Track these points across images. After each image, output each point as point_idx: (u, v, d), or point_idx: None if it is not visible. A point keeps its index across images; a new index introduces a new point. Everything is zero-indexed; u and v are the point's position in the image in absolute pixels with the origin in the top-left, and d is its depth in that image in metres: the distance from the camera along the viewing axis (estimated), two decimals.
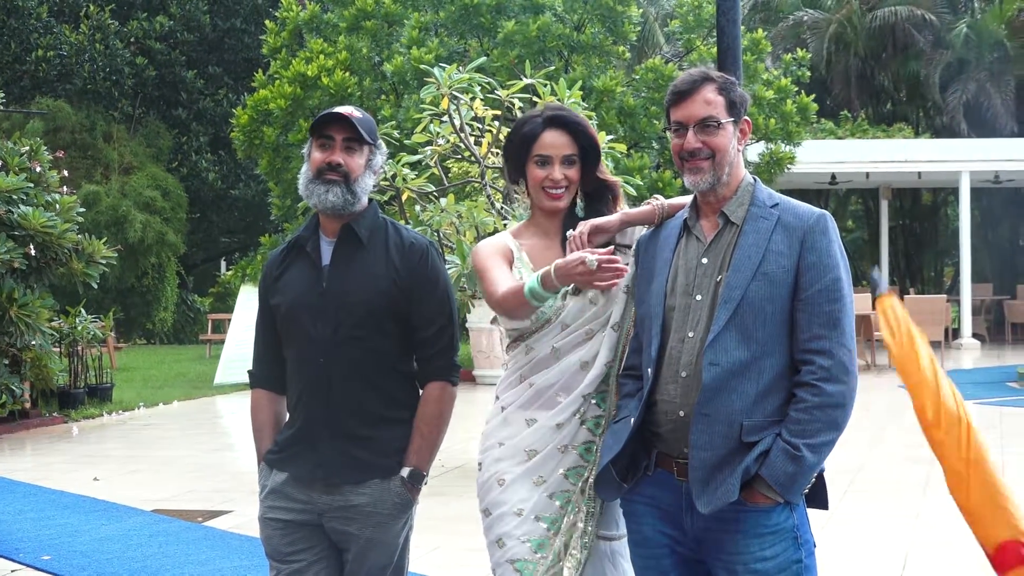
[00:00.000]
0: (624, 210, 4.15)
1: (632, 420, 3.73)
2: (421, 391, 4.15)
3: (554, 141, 4.14)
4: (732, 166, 3.73)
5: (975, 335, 26.38)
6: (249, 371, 4.40)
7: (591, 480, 3.98)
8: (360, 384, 4.01)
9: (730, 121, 3.72)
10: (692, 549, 3.72)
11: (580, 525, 4.01)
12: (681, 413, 3.66)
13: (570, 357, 4.04)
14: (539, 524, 3.98)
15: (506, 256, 4.17)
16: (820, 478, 3.67)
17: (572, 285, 3.96)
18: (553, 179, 4.12)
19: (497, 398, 4.17)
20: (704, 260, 3.72)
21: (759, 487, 3.54)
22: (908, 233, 35.94)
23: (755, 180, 3.80)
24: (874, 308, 2.92)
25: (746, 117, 3.78)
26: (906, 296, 23.01)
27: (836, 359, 3.55)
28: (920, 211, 36.02)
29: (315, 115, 4.22)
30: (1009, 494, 2.64)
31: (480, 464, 4.14)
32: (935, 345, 22.01)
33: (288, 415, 4.21)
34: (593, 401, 4.03)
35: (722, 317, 3.59)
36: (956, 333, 26.34)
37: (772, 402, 3.57)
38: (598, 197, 4.22)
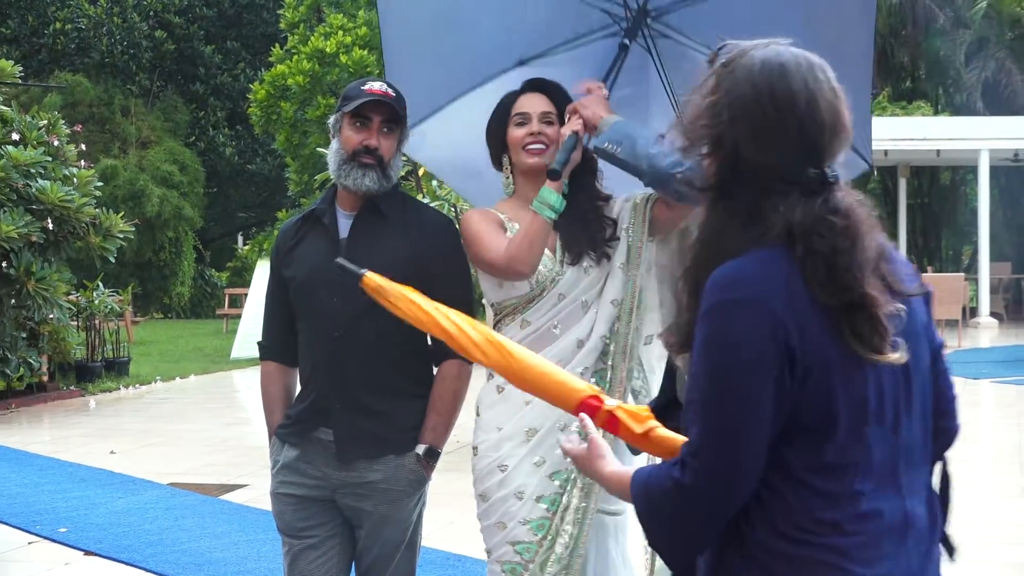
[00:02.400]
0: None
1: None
2: (436, 369, 4.14)
3: (531, 101, 4.12)
4: None
5: (993, 314, 26.29)
6: (259, 342, 4.34)
7: None
8: (375, 360, 3.98)
9: None
10: None
11: (575, 502, 4.00)
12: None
13: (568, 336, 4.03)
14: (539, 505, 3.98)
15: (499, 223, 4.12)
16: None
17: (567, 254, 4.01)
18: (532, 132, 4.07)
19: (491, 376, 4.10)
20: None
21: None
22: (926, 211, 35.75)
23: None
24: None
25: None
26: (924, 274, 22.82)
27: None
28: (938, 189, 35.83)
29: (334, 92, 4.19)
30: (556, 370, 2.80)
31: (476, 448, 4.11)
32: (952, 324, 21.96)
33: (300, 388, 4.18)
34: (593, 379, 4.00)
35: None
36: (974, 312, 26.26)
37: None
38: (583, 169, 4.11)
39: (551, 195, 3.96)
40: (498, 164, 4.23)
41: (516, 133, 4.10)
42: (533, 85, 4.17)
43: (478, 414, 4.15)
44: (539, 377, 2.77)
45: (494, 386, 4.10)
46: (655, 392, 4.06)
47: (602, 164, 4.14)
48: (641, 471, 2.43)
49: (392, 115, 4.03)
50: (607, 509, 4.07)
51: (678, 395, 3.79)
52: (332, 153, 4.06)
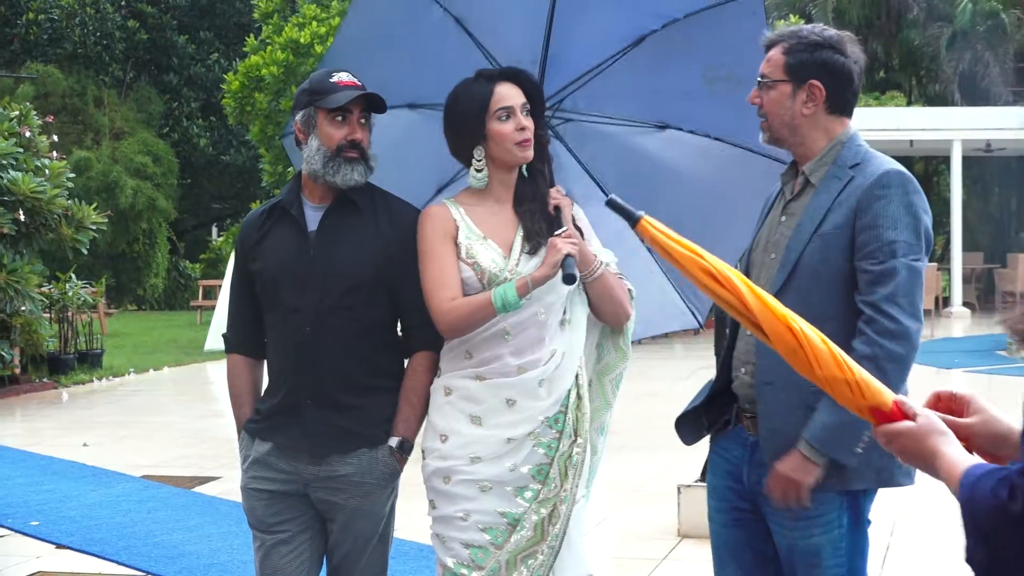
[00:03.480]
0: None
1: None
2: (407, 360, 4.12)
3: (511, 92, 4.00)
4: (798, 128, 3.68)
5: (965, 304, 26.43)
6: (224, 335, 4.30)
7: (555, 498, 3.94)
8: (346, 353, 3.97)
9: (784, 82, 3.66)
10: (751, 503, 3.76)
11: (528, 543, 3.92)
12: (743, 371, 3.74)
13: (529, 374, 3.93)
14: (483, 535, 3.92)
15: (451, 235, 3.99)
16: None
17: (527, 248, 3.97)
18: (522, 127, 3.96)
19: (439, 374, 4.06)
20: (783, 218, 3.73)
21: (800, 447, 3.50)
22: None
23: (849, 141, 3.70)
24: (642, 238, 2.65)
25: (815, 80, 3.64)
26: None
27: (883, 316, 3.47)
28: None
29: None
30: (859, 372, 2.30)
31: (423, 452, 4.05)
32: (925, 314, 22.00)
33: (269, 382, 4.16)
34: (547, 423, 3.95)
35: (779, 278, 3.62)
36: (947, 302, 26.42)
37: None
38: (538, 155, 4.06)
39: (514, 298, 3.85)
40: (466, 157, 4.08)
41: (503, 128, 3.95)
42: (503, 75, 4.05)
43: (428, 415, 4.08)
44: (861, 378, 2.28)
45: (441, 386, 4.03)
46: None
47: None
48: (973, 471, 2.07)
49: (369, 105, 4.01)
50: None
51: (733, 386, 3.80)
52: (313, 151, 3.96)
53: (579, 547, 4.04)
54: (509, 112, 3.97)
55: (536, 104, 4.07)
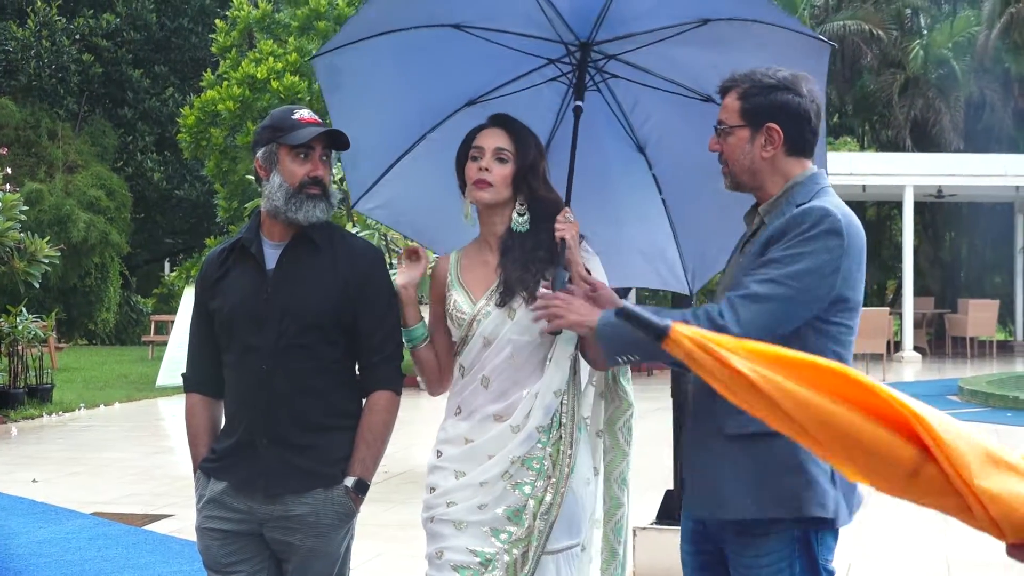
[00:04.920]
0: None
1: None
2: (364, 399, 4.11)
3: (490, 135, 4.08)
4: (757, 172, 3.68)
5: (916, 348, 26.59)
6: (183, 374, 4.29)
7: (526, 539, 3.96)
8: (303, 393, 3.95)
9: (741, 127, 3.65)
10: (714, 544, 3.74)
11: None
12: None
13: (498, 426, 4.00)
14: (454, 573, 3.95)
15: (442, 294, 4.17)
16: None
17: (496, 299, 4.03)
18: (482, 167, 4.03)
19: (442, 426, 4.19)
20: (740, 259, 3.72)
21: (611, 313, 3.67)
22: None
23: (807, 180, 3.68)
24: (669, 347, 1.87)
25: (772, 124, 3.62)
26: None
27: (719, 306, 3.49)
28: (864, 224, 35.90)
29: (264, 118, 4.11)
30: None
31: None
32: (876, 359, 22.20)
33: (226, 421, 4.13)
34: (524, 465, 3.99)
35: None
36: (898, 346, 26.56)
37: None
38: (544, 215, 4.08)
39: (409, 331, 4.13)
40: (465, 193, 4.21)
41: (470, 167, 4.07)
42: (495, 120, 4.15)
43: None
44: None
45: (436, 451, 4.14)
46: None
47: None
48: None
49: (331, 142, 4.02)
50: (553, 548, 4.00)
51: None
52: (275, 188, 3.96)
53: None
54: (480, 152, 4.06)
55: (524, 151, 4.08)
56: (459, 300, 4.07)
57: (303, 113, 4.02)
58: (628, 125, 4.61)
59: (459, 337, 4.09)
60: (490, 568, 3.91)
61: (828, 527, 3.58)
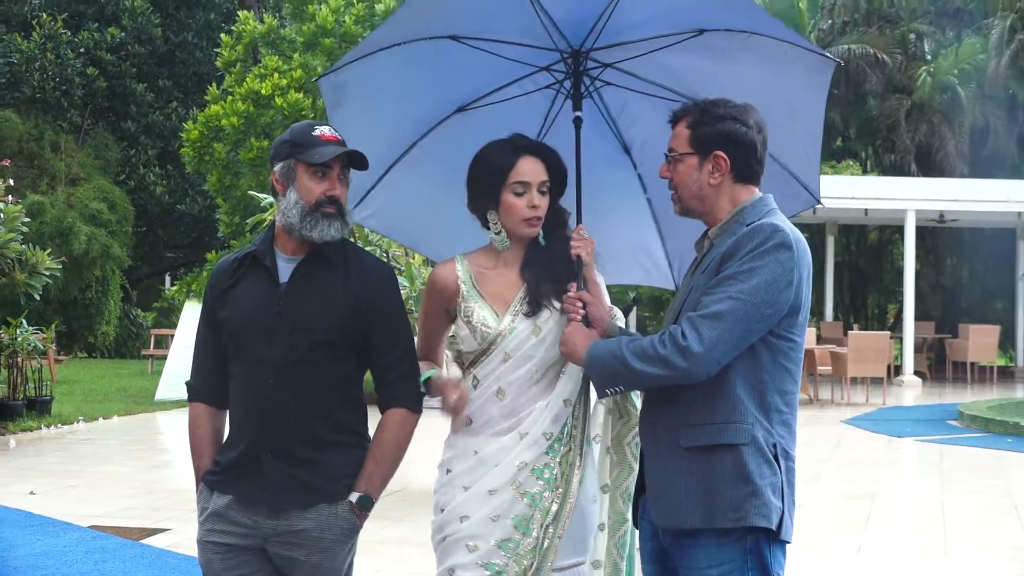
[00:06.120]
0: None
1: None
2: (382, 415, 4.08)
3: (532, 168, 4.11)
4: (705, 198, 3.82)
5: (917, 372, 26.57)
6: (187, 383, 4.24)
7: (533, 551, 4.00)
8: (309, 409, 3.93)
9: (690, 154, 3.80)
10: (672, 562, 3.80)
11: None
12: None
13: (505, 436, 4.05)
14: (484, 572, 3.99)
15: (446, 302, 4.18)
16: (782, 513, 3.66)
17: (525, 309, 4.05)
18: (534, 205, 4.09)
19: (444, 457, 4.22)
20: (692, 280, 3.82)
21: (607, 343, 3.81)
22: (853, 269, 36.22)
23: (756, 202, 3.82)
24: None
25: (719, 152, 3.77)
26: (850, 332, 23.11)
27: (684, 327, 3.59)
28: (866, 248, 36.32)
29: (268, 134, 4.11)
30: None
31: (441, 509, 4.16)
32: (877, 382, 22.17)
33: (230, 434, 4.10)
34: (534, 474, 4.02)
35: None
36: (898, 370, 26.54)
37: (714, 404, 3.63)
38: (557, 224, 4.20)
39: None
40: (480, 216, 4.21)
41: (516, 203, 4.09)
42: (530, 150, 4.15)
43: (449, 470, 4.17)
44: None
45: (444, 470, 4.17)
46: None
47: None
48: None
49: (349, 163, 4.00)
50: (561, 565, 4.04)
51: None
52: (291, 204, 3.94)
53: None
54: (526, 188, 4.09)
55: (557, 178, 4.17)
56: (484, 315, 4.09)
57: (324, 130, 3.99)
58: (615, 127, 4.72)
59: (477, 349, 4.10)
60: None
61: (775, 539, 3.66)
